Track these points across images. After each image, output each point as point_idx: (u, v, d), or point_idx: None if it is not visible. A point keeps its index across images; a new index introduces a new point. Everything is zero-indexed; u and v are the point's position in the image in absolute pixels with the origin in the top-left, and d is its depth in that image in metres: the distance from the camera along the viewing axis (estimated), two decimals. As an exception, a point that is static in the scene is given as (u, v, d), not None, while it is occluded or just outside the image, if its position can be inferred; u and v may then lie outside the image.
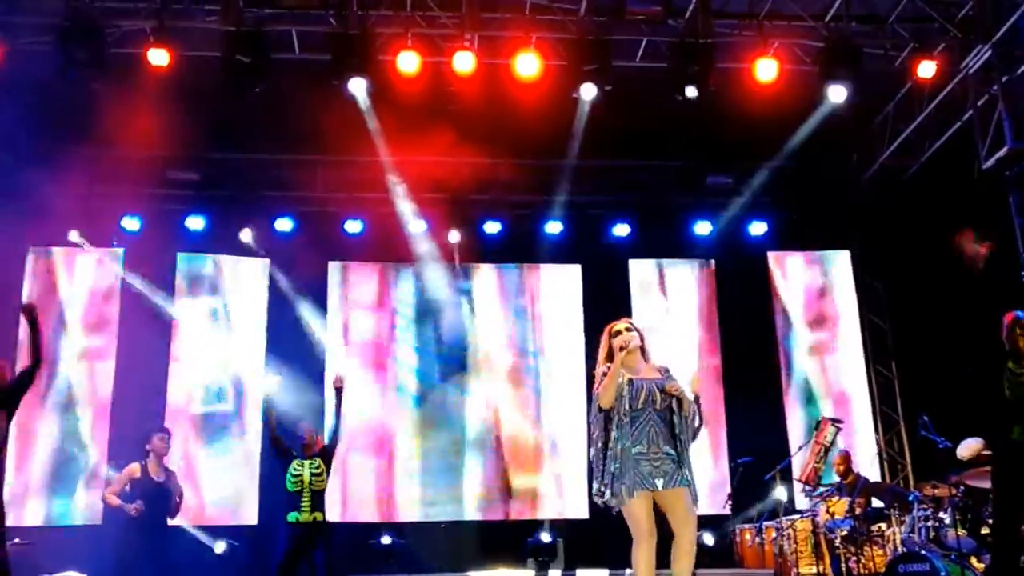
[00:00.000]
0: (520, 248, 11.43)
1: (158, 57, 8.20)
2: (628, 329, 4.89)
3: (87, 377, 10.46)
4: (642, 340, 4.90)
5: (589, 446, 4.82)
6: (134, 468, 7.09)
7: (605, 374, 4.77)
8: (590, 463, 4.83)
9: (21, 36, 8.47)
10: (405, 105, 8.97)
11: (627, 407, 4.70)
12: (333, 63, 8.43)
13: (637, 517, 4.62)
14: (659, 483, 4.62)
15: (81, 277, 10.69)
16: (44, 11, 8.40)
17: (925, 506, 7.63)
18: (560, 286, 11.48)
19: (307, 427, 7.43)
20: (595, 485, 4.78)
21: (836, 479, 8.88)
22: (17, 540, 7.99)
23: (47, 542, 8.78)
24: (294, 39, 8.92)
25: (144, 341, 10.39)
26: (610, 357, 4.86)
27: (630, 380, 4.75)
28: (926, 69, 8.90)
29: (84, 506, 10.10)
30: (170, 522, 7.25)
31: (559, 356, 11.27)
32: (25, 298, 10.41)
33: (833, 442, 8.84)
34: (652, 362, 4.91)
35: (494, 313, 11.37)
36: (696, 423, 4.84)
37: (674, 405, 4.75)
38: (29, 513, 9.95)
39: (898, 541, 7.78)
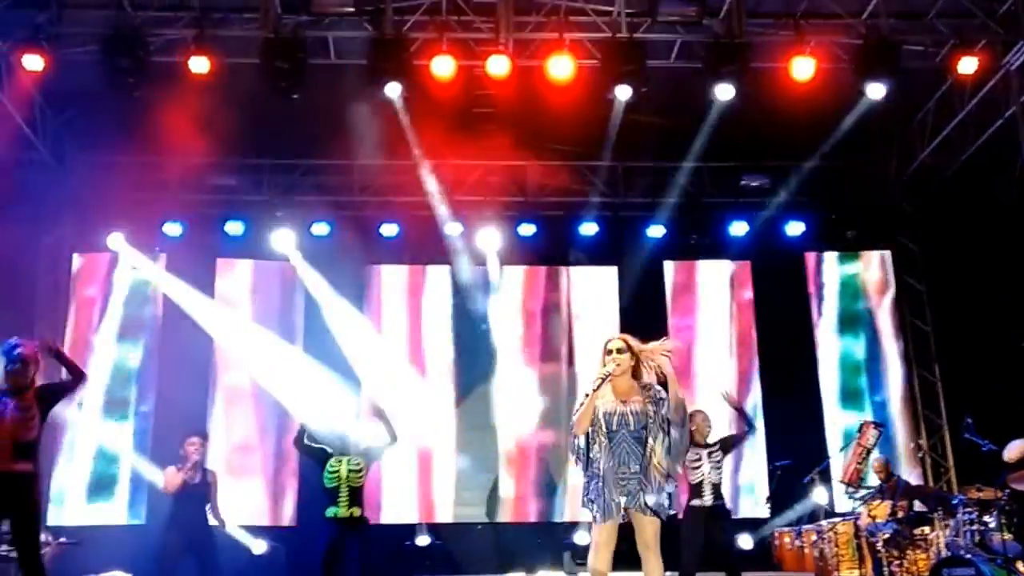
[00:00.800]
0: (554, 250, 11.42)
1: (199, 65, 8.34)
2: (620, 351, 4.89)
3: (132, 383, 10.67)
4: (636, 358, 4.90)
5: (576, 461, 4.93)
6: (170, 472, 7.24)
7: (588, 394, 4.85)
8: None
9: (67, 46, 8.67)
10: (440, 109, 9.04)
11: (603, 428, 4.85)
12: (369, 68, 8.52)
13: (594, 536, 4.83)
14: (623, 500, 4.76)
15: (122, 282, 10.90)
16: (89, 22, 8.60)
17: (970, 509, 7.50)
18: (595, 288, 11.46)
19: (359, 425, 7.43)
20: (583, 499, 4.91)
21: (877, 483, 8.77)
22: (63, 540, 8.16)
23: (92, 542, 8.93)
24: (330, 45, 9.02)
25: (186, 344, 10.55)
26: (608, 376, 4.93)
27: (608, 402, 4.89)
28: (967, 65, 8.74)
29: (128, 506, 10.32)
30: (212, 522, 7.35)
31: (594, 358, 11.20)
32: (72, 300, 10.65)
33: (875, 444, 8.72)
34: (644, 378, 4.92)
35: (529, 315, 11.38)
36: (679, 429, 4.90)
37: (650, 426, 4.82)
38: (74, 513, 10.17)
39: (942, 545, 7.67)
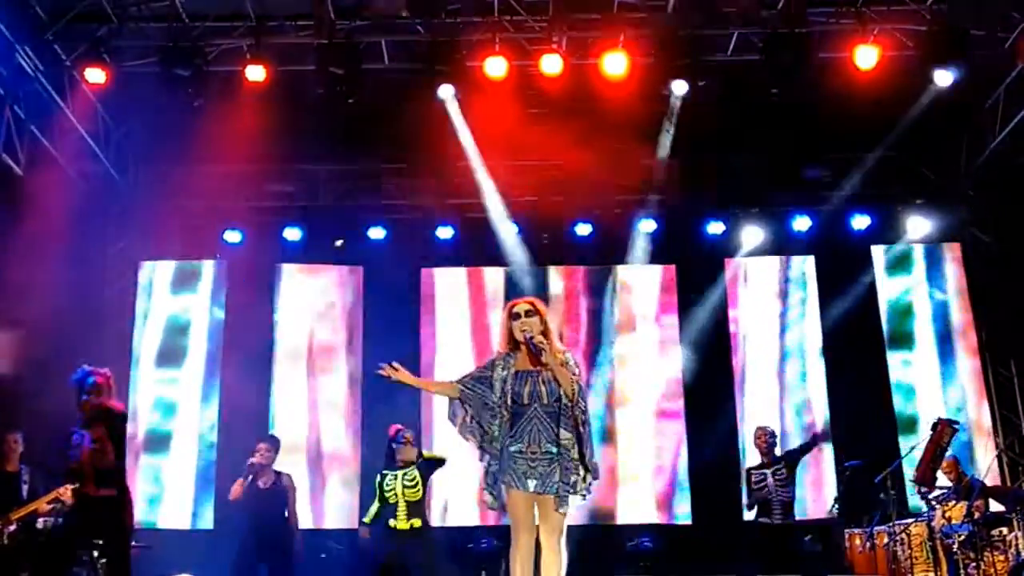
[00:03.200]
0: (612, 249, 11.28)
1: (255, 73, 8.47)
2: (529, 313, 4.47)
3: (197, 393, 10.82)
4: (544, 325, 4.48)
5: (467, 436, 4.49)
6: (241, 481, 7.33)
7: (498, 373, 4.43)
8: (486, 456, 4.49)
9: (127, 59, 8.86)
10: (494, 109, 9.01)
11: (509, 402, 4.38)
12: (422, 71, 8.53)
13: (512, 513, 4.38)
14: (531, 484, 4.30)
15: (189, 290, 11.08)
16: (148, 34, 8.77)
17: (1050, 509, 7.23)
18: (654, 286, 11.30)
19: (404, 435, 7.40)
20: (484, 488, 4.52)
21: (950, 484, 8.50)
22: (133, 544, 8.30)
23: (161, 546, 9.08)
24: (383, 49, 9.05)
25: (247, 348, 10.69)
26: (512, 342, 4.49)
27: (516, 373, 4.42)
28: (1037, 51, 8.46)
29: (197, 511, 10.49)
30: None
31: (653, 358, 11.09)
32: (137, 308, 10.84)
33: (950, 443, 8.44)
34: (553, 353, 4.43)
35: (586, 315, 11.27)
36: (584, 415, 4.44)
37: (564, 399, 4.34)
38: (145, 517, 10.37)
39: (1021, 546, 7.41)
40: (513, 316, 4.52)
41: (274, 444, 7.58)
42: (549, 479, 4.31)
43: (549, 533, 4.35)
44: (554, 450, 4.33)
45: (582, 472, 4.38)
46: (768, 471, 7.02)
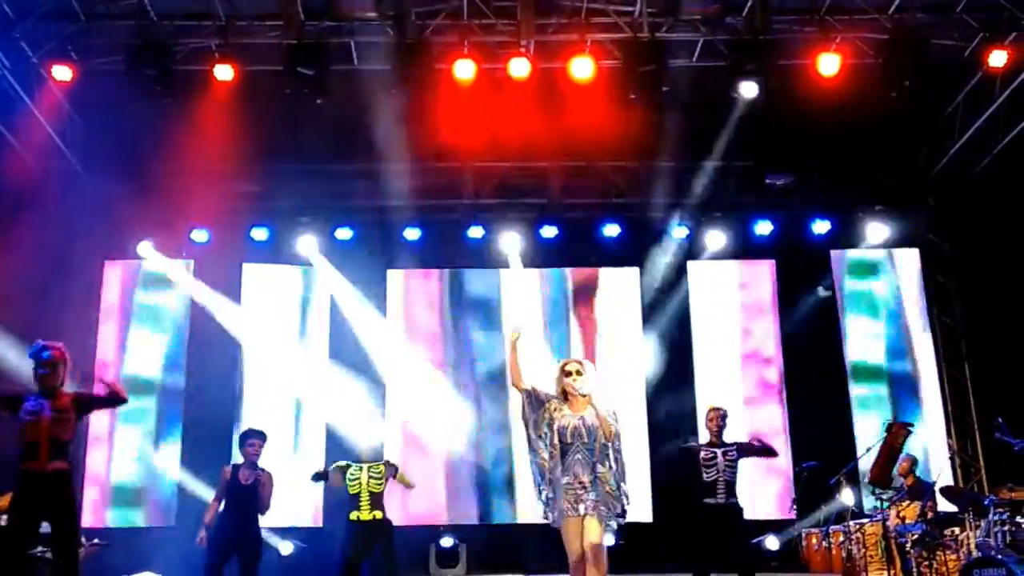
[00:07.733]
0: (577, 252, 11.40)
1: (223, 72, 8.47)
2: (579, 372, 5.29)
3: (159, 389, 10.80)
4: (590, 382, 5.30)
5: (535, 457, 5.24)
6: (226, 471, 7.30)
7: (550, 414, 5.22)
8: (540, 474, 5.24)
9: (95, 57, 8.82)
10: (462, 112, 9.06)
11: (556, 441, 5.17)
12: (391, 73, 8.56)
13: (567, 540, 5.06)
14: (581, 508, 5.04)
15: (155, 289, 11.07)
16: (116, 32, 8.74)
17: (1001, 510, 7.39)
18: (618, 289, 11.41)
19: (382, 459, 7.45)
20: (541, 507, 5.27)
21: (900, 480, 8.67)
22: (96, 541, 8.29)
23: (122, 543, 9.06)
24: (353, 51, 9.08)
25: (214, 352, 10.68)
26: (564, 395, 5.31)
27: (563, 418, 5.23)
28: (997, 59, 8.64)
29: (158, 508, 10.48)
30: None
31: (617, 360, 11.20)
32: (102, 306, 10.80)
33: (904, 445, 8.62)
34: (596, 402, 5.29)
35: (552, 317, 11.36)
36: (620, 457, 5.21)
37: (602, 439, 5.17)
38: (106, 515, 10.34)
39: (972, 546, 7.58)
40: (566, 374, 5.33)
41: (263, 439, 7.53)
42: (592, 504, 5.07)
43: (590, 547, 4.99)
44: (593, 480, 5.12)
45: (618, 500, 5.17)
46: (718, 450, 7.10)
